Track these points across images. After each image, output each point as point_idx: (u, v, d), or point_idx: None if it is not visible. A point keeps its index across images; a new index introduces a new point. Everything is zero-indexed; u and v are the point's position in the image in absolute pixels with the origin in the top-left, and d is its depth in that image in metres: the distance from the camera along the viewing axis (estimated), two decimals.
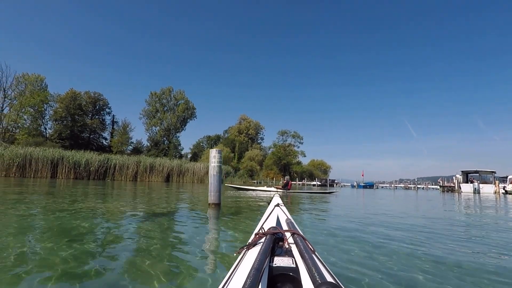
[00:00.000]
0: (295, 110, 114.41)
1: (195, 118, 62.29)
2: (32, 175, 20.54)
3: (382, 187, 52.11)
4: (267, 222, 1.54)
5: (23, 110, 37.69)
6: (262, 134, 72.50)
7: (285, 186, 14.23)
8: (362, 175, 49.71)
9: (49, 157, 21.44)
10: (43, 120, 41.37)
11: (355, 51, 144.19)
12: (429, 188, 49.04)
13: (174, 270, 1.94)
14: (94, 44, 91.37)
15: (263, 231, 1.18)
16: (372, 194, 18.22)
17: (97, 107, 47.94)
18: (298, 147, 65.28)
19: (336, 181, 56.20)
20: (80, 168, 22.66)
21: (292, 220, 1.54)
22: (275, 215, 1.70)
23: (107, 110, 49.92)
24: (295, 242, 1.06)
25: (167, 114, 59.41)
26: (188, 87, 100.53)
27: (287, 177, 14.87)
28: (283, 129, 65.15)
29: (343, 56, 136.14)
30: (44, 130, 41.17)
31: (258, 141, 70.43)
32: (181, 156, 54.14)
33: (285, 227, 1.39)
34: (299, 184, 50.67)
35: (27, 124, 39.74)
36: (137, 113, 69.23)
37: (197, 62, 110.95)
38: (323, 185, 47.34)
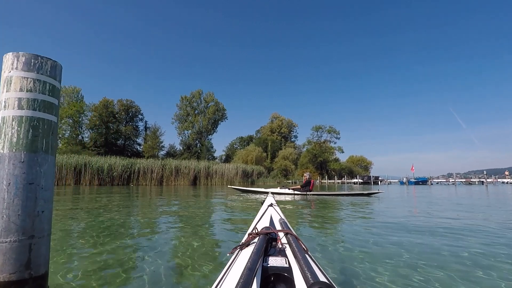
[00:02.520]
0: (329, 102, 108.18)
1: (226, 120, 61.47)
2: (56, 183, 20.33)
3: (438, 183, 45.44)
4: (261, 222, 1.53)
5: (62, 121, 39.57)
6: (296, 132, 69.26)
7: (306, 186, 10.78)
8: (412, 170, 43.83)
9: (72, 164, 21.11)
10: (81, 130, 43.21)
11: (390, 33, 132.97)
12: (498, 182, 41.43)
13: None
14: (127, 49, 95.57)
15: (256, 231, 1.17)
16: (433, 193, 14.41)
17: (130, 114, 49.04)
18: (335, 143, 60.53)
19: (380, 178, 50.49)
20: (104, 174, 22.08)
21: (285, 220, 1.51)
22: (269, 215, 1.68)
23: (140, 116, 50.92)
24: (288, 242, 1.04)
25: (198, 117, 59.38)
26: (218, 89, 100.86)
27: (307, 174, 11.16)
28: (318, 125, 60.98)
29: (378, 41, 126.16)
30: (82, 139, 42.94)
31: (292, 139, 67.30)
32: (214, 159, 53.37)
33: (278, 227, 1.38)
34: (338, 182, 46.37)
35: (67, 134, 41.80)
36: (169, 118, 70.66)
37: (225, 61, 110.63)
38: (365, 183, 42.53)
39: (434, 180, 46.51)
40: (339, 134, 60.38)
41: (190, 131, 58.47)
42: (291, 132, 68.41)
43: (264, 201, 2.23)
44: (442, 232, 3.44)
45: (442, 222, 4.29)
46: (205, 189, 16.18)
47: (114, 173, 22.55)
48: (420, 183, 40.38)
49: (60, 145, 39.78)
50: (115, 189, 15.32)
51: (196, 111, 60.10)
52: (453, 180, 42.13)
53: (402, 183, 44.70)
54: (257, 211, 4.50)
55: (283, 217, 1.62)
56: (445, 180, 47.83)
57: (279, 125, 66.47)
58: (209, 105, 60.17)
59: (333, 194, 11.20)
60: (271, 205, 1.94)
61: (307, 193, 10.59)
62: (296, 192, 10.67)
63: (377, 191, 11.53)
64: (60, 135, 40.45)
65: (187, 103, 60.16)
